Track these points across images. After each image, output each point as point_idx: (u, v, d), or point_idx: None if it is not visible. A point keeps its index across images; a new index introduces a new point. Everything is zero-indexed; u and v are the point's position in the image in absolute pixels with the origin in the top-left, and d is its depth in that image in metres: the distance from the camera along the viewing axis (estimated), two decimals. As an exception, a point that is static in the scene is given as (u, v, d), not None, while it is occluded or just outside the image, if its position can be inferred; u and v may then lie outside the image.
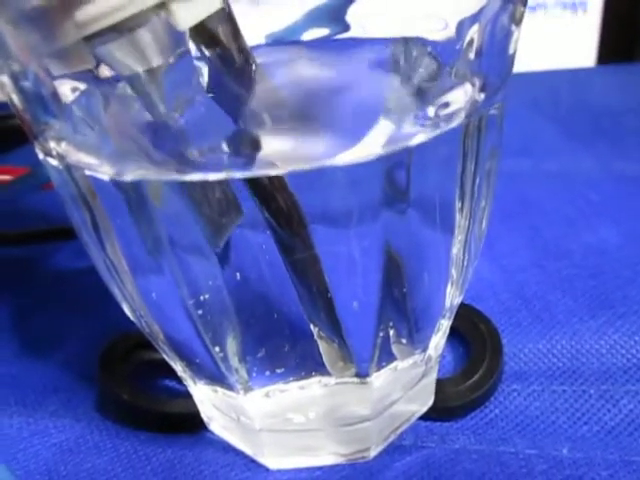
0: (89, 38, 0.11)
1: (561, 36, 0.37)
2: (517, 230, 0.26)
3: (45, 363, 0.21)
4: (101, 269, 0.16)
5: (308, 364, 0.16)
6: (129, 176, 0.12)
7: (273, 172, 0.12)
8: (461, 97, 0.13)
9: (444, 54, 0.14)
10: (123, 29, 0.11)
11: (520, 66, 0.14)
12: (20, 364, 0.21)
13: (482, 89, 0.13)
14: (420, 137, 0.12)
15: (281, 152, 0.13)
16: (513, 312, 0.22)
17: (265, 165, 0.12)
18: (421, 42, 0.14)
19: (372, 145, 0.12)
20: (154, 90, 0.12)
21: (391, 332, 0.16)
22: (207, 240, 0.13)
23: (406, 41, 0.14)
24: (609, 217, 0.26)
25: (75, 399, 0.20)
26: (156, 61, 0.12)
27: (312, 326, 0.15)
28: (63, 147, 0.13)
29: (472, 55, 0.13)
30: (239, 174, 0.12)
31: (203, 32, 0.13)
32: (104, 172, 0.12)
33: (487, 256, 0.24)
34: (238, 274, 0.14)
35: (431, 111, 0.13)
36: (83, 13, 0.11)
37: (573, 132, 0.32)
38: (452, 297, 0.16)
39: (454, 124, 0.13)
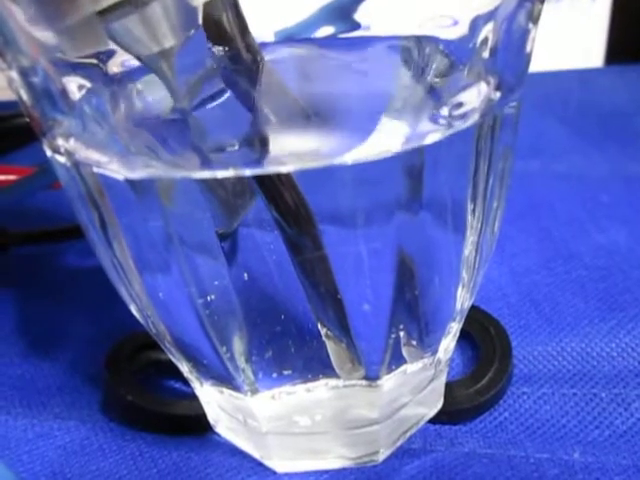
0: (103, 13, 0.11)
1: (569, 35, 0.37)
2: (526, 231, 0.25)
3: (50, 364, 0.21)
4: (108, 269, 0.16)
5: (315, 366, 0.15)
6: (138, 174, 0.12)
7: (282, 169, 0.12)
8: (475, 97, 0.13)
9: (457, 52, 0.14)
10: (137, 2, 0.11)
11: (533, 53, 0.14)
12: (25, 365, 0.21)
13: (497, 88, 0.13)
14: (433, 136, 0.12)
15: (290, 150, 0.12)
16: (522, 314, 0.22)
17: (274, 163, 0.12)
18: (434, 40, 0.14)
19: (384, 144, 0.12)
20: (167, 71, 0.12)
21: (402, 335, 0.15)
22: (221, 222, 0.13)
23: (419, 39, 0.14)
24: (619, 218, 0.26)
25: (80, 400, 0.20)
26: (168, 40, 0.12)
27: (320, 326, 0.15)
28: (71, 144, 0.13)
29: (486, 54, 0.13)
30: (248, 171, 0.12)
31: (211, 28, 0.13)
32: (113, 169, 0.12)
33: (496, 258, 0.24)
34: (245, 274, 0.14)
35: (445, 111, 0.13)
36: None
37: (582, 133, 0.32)
38: (463, 300, 0.16)
39: (468, 123, 0.12)
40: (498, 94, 0.13)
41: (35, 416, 0.19)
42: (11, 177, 0.32)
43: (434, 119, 0.13)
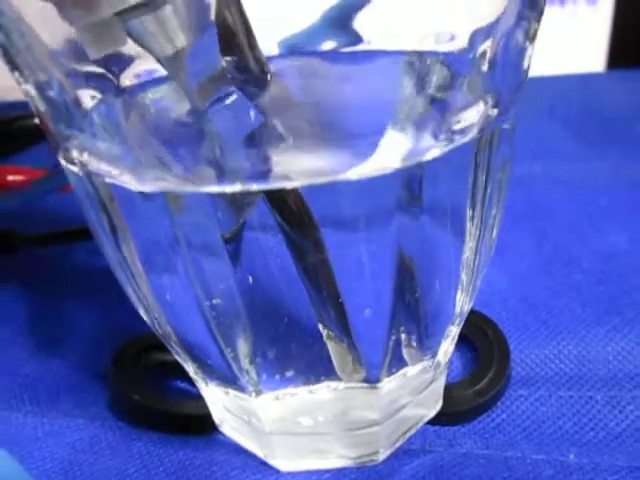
0: (119, 14, 0.12)
1: (571, 39, 0.37)
2: (526, 235, 0.26)
3: (59, 363, 0.22)
4: (116, 271, 0.16)
5: (317, 368, 0.16)
6: (149, 187, 0.12)
7: (288, 185, 0.12)
8: (474, 113, 0.13)
9: (457, 65, 0.14)
10: (152, 6, 0.12)
11: (530, 70, 0.15)
12: (35, 364, 0.22)
13: (495, 105, 0.13)
14: (434, 152, 0.13)
15: (296, 165, 0.13)
16: (520, 317, 0.22)
17: (280, 178, 0.13)
18: (434, 54, 0.14)
19: (386, 160, 0.12)
20: (180, 71, 0.12)
21: (402, 337, 0.16)
22: (227, 220, 0.13)
23: (420, 54, 0.14)
24: (618, 222, 0.26)
25: (89, 398, 0.20)
26: (180, 40, 0.12)
27: (322, 328, 0.15)
28: (85, 157, 0.13)
29: (485, 67, 0.13)
30: (255, 186, 0.12)
31: (221, 34, 0.13)
32: (124, 181, 0.13)
33: (495, 261, 0.24)
34: (250, 277, 0.14)
35: (445, 127, 0.13)
36: None
37: (583, 137, 0.32)
38: (462, 303, 0.17)
39: (467, 139, 0.13)
40: (495, 111, 0.13)
41: (45, 414, 0.20)
42: (19, 177, 0.32)
43: (434, 135, 0.13)
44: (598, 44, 0.37)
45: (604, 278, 0.23)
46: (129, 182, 0.13)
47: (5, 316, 0.24)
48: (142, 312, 0.17)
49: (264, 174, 0.13)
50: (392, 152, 0.13)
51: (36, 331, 0.23)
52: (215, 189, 0.12)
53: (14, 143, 0.35)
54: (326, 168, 0.13)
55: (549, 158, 0.31)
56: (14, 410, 0.20)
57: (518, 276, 0.24)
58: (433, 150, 0.13)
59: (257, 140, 0.13)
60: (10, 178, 0.32)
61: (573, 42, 0.38)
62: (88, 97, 0.13)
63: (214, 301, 0.15)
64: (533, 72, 0.15)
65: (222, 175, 0.13)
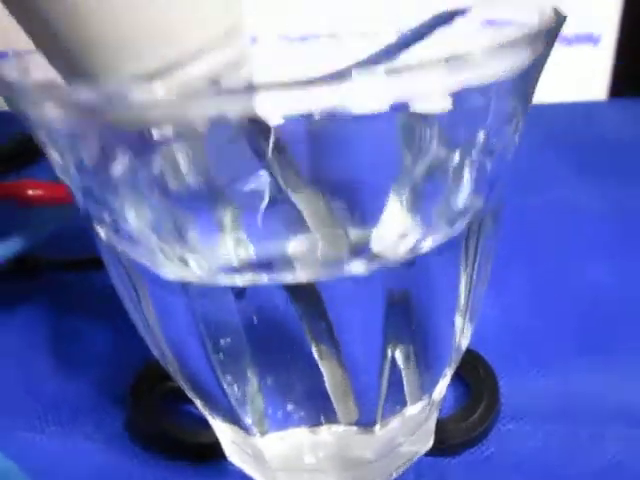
0: None
1: (573, 68, 0.38)
2: (519, 269, 0.27)
3: (81, 383, 0.23)
4: (130, 310, 0.17)
5: (319, 413, 0.17)
6: (167, 276, 0.14)
7: (297, 278, 0.13)
8: (467, 201, 0.14)
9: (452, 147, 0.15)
10: None
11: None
12: (58, 384, 0.23)
13: (482, 196, 0.14)
14: (428, 243, 0.14)
15: (302, 254, 0.14)
16: (510, 352, 0.23)
17: (288, 269, 0.14)
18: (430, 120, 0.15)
19: (388, 257, 0.13)
20: (199, 144, 0.13)
21: (402, 375, 0.17)
22: None
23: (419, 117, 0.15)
24: (611, 255, 0.27)
25: (108, 419, 0.21)
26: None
27: (319, 360, 0.16)
28: (110, 238, 0.14)
29: (476, 157, 0.14)
30: (266, 277, 0.13)
31: None
32: (144, 262, 0.14)
33: (487, 296, 0.25)
34: (255, 316, 0.15)
35: (440, 215, 0.14)
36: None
37: (582, 167, 0.33)
38: (458, 343, 0.18)
39: (456, 231, 0.14)
40: (481, 202, 0.14)
41: (68, 435, 0.21)
42: (39, 192, 0.33)
43: (433, 223, 0.14)
44: (601, 72, 0.38)
45: (593, 312, 0.25)
46: (149, 265, 0.14)
47: (29, 337, 0.25)
48: (152, 349, 0.18)
49: (271, 266, 0.14)
50: (394, 251, 0.14)
51: (59, 351, 0.24)
52: (226, 281, 0.13)
53: (32, 153, 0.36)
54: (329, 262, 0.14)
55: (546, 188, 0.31)
56: (38, 431, 0.21)
57: (509, 310, 0.25)
58: (427, 241, 0.14)
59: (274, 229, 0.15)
60: (30, 192, 0.33)
61: (575, 70, 0.38)
62: (114, 169, 0.14)
63: (222, 342, 0.16)
64: (534, 100, 0.15)
65: (234, 269, 0.14)
